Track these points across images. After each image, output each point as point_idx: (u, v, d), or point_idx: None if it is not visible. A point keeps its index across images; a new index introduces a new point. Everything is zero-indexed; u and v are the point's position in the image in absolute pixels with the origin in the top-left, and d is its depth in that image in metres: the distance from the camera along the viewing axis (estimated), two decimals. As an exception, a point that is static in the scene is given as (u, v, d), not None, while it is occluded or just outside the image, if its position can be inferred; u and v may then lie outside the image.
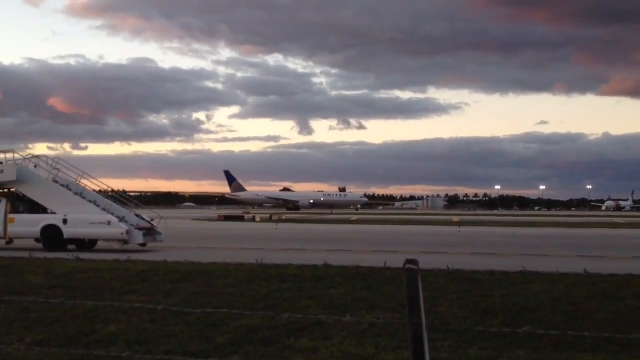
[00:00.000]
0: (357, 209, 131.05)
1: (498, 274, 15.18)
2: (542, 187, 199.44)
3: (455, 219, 62.99)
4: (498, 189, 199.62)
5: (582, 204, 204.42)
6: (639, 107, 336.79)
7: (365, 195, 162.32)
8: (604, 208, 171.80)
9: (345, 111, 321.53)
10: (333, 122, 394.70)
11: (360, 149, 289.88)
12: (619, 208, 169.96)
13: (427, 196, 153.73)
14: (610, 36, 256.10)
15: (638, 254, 22.42)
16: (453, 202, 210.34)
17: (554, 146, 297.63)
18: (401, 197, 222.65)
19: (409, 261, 2.66)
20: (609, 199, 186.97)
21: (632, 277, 14.64)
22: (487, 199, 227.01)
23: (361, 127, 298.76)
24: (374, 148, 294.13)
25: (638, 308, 11.01)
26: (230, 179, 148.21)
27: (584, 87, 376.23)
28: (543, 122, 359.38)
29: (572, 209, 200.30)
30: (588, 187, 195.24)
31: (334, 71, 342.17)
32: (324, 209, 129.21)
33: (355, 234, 38.67)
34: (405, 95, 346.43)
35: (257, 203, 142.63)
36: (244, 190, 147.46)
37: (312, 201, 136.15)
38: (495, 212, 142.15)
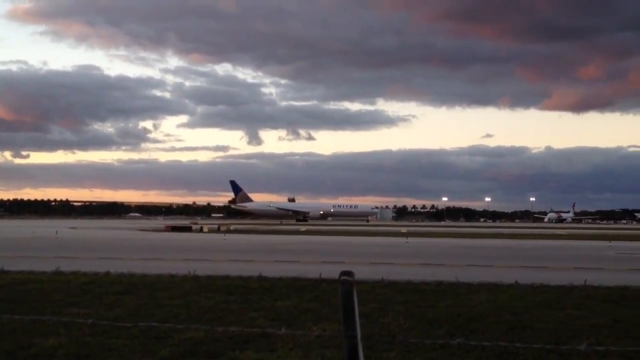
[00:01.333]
0: (367, 221, 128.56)
1: (444, 285, 15.37)
2: (488, 199, 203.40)
3: (403, 230, 63.56)
4: (445, 201, 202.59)
5: (526, 215, 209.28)
6: (579, 122, 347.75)
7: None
8: (546, 220, 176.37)
9: (295, 122, 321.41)
10: (282, 133, 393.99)
11: (309, 160, 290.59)
12: (560, 220, 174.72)
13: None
14: (553, 53, 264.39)
15: (578, 265, 23.02)
16: (401, 213, 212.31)
17: (498, 159, 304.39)
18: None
19: (344, 273, 2.65)
20: (551, 211, 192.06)
21: (572, 287, 15.02)
22: (434, 210, 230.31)
23: (310, 137, 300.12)
24: (323, 159, 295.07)
25: (578, 318, 11.28)
26: (236, 189, 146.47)
27: (528, 101, 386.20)
28: (488, 135, 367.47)
29: (516, 220, 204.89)
30: (531, 199, 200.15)
31: (283, 82, 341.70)
32: (336, 220, 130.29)
33: (304, 244, 38.62)
34: (354, 106, 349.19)
35: (266, 214, 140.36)
36: (250, 200, 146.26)
37: (322, 212, 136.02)
38: (442, 223, 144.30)
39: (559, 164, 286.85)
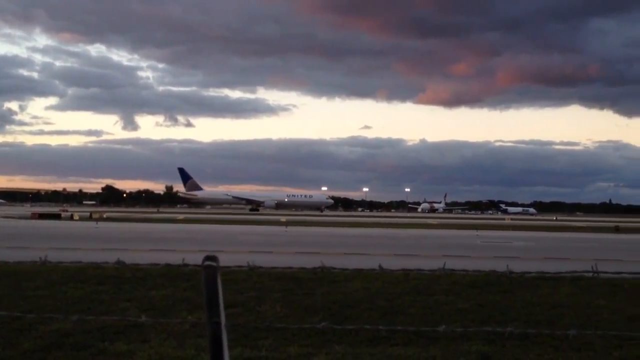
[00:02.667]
0: (322, 211, 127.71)
1: (320, 273, 15.55)
2: (365, 189, 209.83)
3: (283, 219, 63.96)
4: (325, 190, 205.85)
5: (401, 205, 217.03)
6: (451, 116, 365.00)
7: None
8: (419, 210, 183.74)
9: (173, 107, 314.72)
10: (160, 119, 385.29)
11: (188, 147, 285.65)
12: (433, 210, 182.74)
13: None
14: (427, 49, 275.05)
15: (448, 253, 24.11)
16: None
17: (376, 150, 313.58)
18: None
19: (207, 258, 2.56)
20: (425, 201, 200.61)
21: (442, 273, 15.61)
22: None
23: (189, 124, 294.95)
24: (202, 146, 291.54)
25: (446, 303, 11.80)
26: (185, 177, 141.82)
27: (404, 95, 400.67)
28: (367, 127, 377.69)
29: (392, 210, 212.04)
30: (406, 189, 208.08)
31: (161, 66, 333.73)
32: (288, 209, 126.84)
33: (181, 233, 37.89)
34: (234, 94, 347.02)
35: (217, 202, 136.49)
36: (200, 189, 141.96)
37: (276, 202, 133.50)
38: (320, 212, 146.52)
39: (432, 156, 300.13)
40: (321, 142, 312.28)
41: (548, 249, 28.50)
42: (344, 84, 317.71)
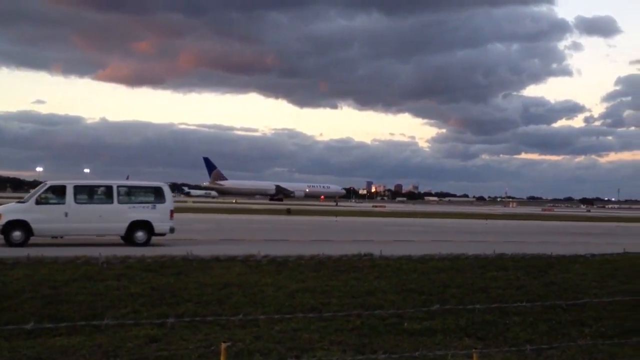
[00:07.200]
0: (335, 201, 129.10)
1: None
2: (39, 169, 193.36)
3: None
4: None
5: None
6: (133, 95, 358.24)
7: None
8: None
9: None
10: None
11: None
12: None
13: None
14: (108, 23, 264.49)
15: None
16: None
17: (51, 127, 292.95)
18: None
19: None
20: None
21: (113, 258, 14.79)
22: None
23: None
24: None
25: (118, 288, 11.40)
26: (210, 166, 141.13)
27: (82, 70, 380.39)
28: (40, 102, 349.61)
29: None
30: (86, 170, 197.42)
31: None
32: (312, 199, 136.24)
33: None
34: None
35: (242, 192, 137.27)
36: (225, 178, 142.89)
37: (307, 191, 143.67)
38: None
39: (114, 136, 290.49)
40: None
41: (224, 231, 29.57)
42: (13, 52, 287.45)
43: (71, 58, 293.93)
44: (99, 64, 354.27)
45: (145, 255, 14.81)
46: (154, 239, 21.13)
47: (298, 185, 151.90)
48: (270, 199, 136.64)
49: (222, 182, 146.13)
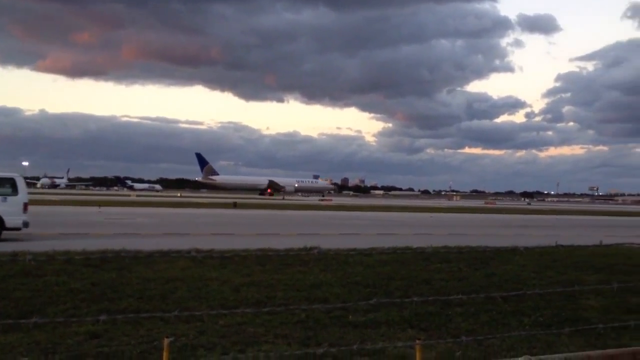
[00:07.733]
0: (323, 196, 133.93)
1: None
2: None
3: None
4: None
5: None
6: (74, 87, 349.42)
7: None
8: (39, 185, 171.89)
9: None
10: None
11: None
12: (54, 185, 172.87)
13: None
14: (47, 13, 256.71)
15: (63, 230, 22.98)
16: None
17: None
18: None
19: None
20: (45, 176, 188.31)
21: (54, 253, 14.52)
22: None
23: None
24: None
25: (57, 284, 11.11)
26: (202, 162, 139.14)
27: (21, 60, 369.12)
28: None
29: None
30: (24, 163, 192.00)
31: None
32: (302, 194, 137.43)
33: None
34: None
35: (234, 187, 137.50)
36: (216, 174, 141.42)
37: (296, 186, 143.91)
38: None
39: (54, 128, 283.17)
40: None
41: (169, 225, 29.21)
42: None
43: (9, 48, 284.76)
44: (38, 55, 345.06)
45: (86, 250, 14.50)
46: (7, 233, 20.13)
47: (288, 181, 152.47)
48: (260, 194, 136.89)
49: (214, 177, 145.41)
